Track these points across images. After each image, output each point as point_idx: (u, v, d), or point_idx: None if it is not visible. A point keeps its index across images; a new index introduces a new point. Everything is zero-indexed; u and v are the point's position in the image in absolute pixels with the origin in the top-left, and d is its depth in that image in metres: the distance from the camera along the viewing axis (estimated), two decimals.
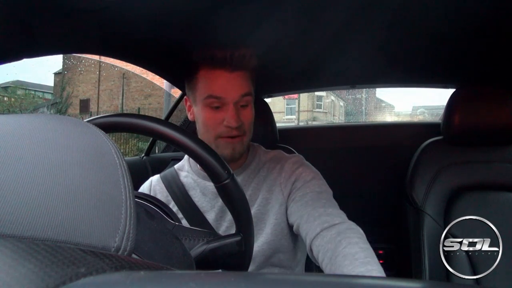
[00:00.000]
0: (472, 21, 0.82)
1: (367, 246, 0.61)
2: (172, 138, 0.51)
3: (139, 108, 10.94)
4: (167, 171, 0.93)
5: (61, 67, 13.43)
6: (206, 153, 0.51)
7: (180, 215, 0.83)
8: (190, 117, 0.86)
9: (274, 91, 1.57)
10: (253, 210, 0.81)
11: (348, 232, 0.64)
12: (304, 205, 0.74)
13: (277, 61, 1.07)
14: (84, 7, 0.64)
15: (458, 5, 0.74)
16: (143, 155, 1.49)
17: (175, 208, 0.85)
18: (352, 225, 0.67)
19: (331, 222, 0.67)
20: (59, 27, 0.68)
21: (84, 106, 12.93)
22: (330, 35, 0.88)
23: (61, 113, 11.01)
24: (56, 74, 13.60)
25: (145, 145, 1.55)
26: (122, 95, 12.38)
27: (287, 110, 16.07)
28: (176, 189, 0.87)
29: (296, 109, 15.96)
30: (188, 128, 1.52)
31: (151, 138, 1.50)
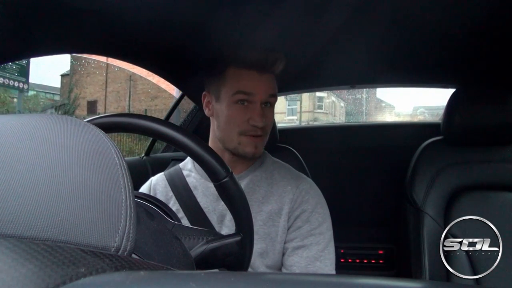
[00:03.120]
0: (472, 21, 0.81)
1: None
2: (171, 137, 0.51)
3: (145, 110, 10.99)
4: (171, 169, 0.92)
5: (66, 69, 13.53)
6: (204, 151, 0.51)
7: (181, 214, 0.82)
8: (208, 113, 0.87)
9: None
10: (268, 207, 0.82)
11: None
12: (300, 255, 0.79)
13: None
14: (84, 7, 0.64)
15: (458, 5, 0.74)
16: (143, 155, 1.49)
17: (175, 206, 0.84)
18: None
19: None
20: (59, 27, 0.68)
21: (92, 107, 12.96)
22: (331, 35, 0.88)
23: (69, 114, 11.09)
24: (63, 75, 13.66)
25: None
26: (129, 97, 12.42)
27: (288, 110, 16.01)
28: (180, 186, 0.86)
29: (298, 110, 15.90)
30: (188, 128, 1.52)
31: (151, 138, 1.51)
